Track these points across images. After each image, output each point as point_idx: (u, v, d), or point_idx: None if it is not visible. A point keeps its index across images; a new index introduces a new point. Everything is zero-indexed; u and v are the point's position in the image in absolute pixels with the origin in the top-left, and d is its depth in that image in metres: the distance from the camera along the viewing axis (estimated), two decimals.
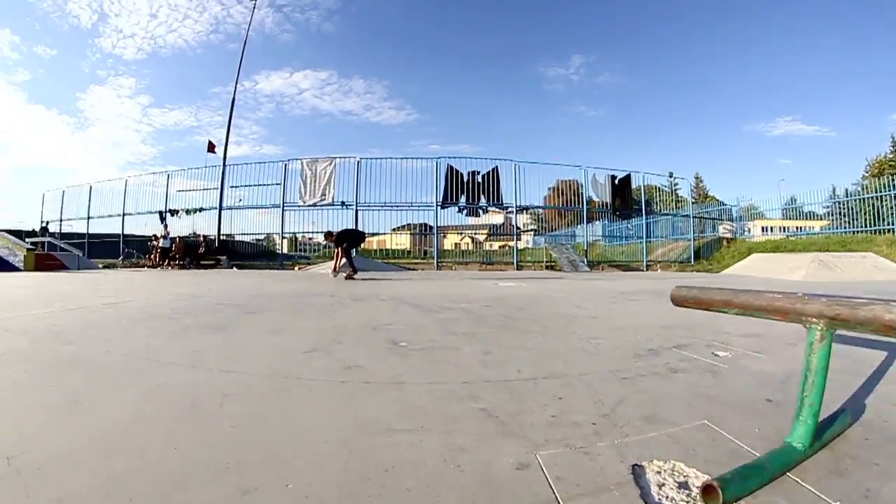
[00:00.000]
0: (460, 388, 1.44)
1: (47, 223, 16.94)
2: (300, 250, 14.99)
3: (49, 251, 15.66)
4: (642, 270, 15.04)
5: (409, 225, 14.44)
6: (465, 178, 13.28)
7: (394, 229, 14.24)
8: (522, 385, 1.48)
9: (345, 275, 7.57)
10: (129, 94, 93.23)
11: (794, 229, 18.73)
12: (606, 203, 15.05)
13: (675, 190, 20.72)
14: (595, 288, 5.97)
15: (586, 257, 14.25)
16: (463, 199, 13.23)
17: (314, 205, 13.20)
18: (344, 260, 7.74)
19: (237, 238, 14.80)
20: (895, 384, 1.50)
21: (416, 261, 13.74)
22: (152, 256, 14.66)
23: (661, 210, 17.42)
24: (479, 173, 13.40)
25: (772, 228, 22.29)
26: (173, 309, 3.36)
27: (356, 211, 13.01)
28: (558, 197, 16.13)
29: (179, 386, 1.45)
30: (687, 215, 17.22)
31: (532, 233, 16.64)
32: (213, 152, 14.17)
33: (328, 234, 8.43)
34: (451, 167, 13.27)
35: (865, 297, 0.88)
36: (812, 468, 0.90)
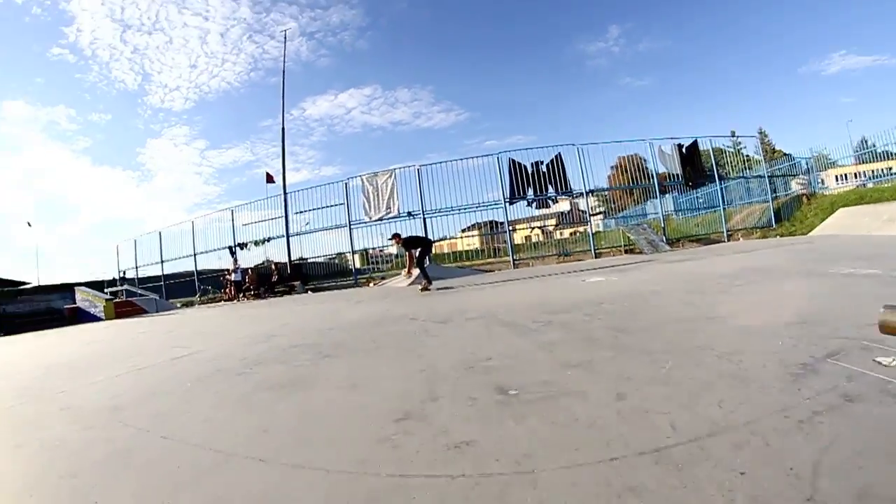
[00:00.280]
0: (610, 471, 1.05)
1: (124, 272, 17.76)
2: (372, 262, 14.94)
3: (128, 298, 16.43)
4: (724, 242, 14.08)
5: (477, 224, 14.10)
6: (530, 170, 12.79)
7: (462, 230, 13.93)
8: (685, 453, 1.10)
9: (420, 287, 7.48)
10: (185, 141, 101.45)
11: (871, 174, 17.08)
12: (676, 174, 14.18)
13: (740, 149, 19.43)
14: (689, 272, 5.40)
15: (664, 235, 13.47)
16: (530, 192, 12.75)
17: (380, 219, 13.09)
18: (417, 271, 7.59)
19: (310, 260, 14.92)
20: None
21: (489, 260, 13.37)
22: (227, 290, 15.05)
23: (731, 174, 16.28)
24: (542, 163, 12.87)
25: (846, 176, 20.49)
26: (243, 359, 3.01)
27: (423, 219, 12.79)
28: (622, 174, 15.34)
29: (244, 499, 1.13)
30: (761, 175, 16.01)
31: (601, 215, 15.91)
32: (273, 182, 14.33)
33: (395, 236, 8.30)
34: (513, 160, 12.81)
35: None
36: None
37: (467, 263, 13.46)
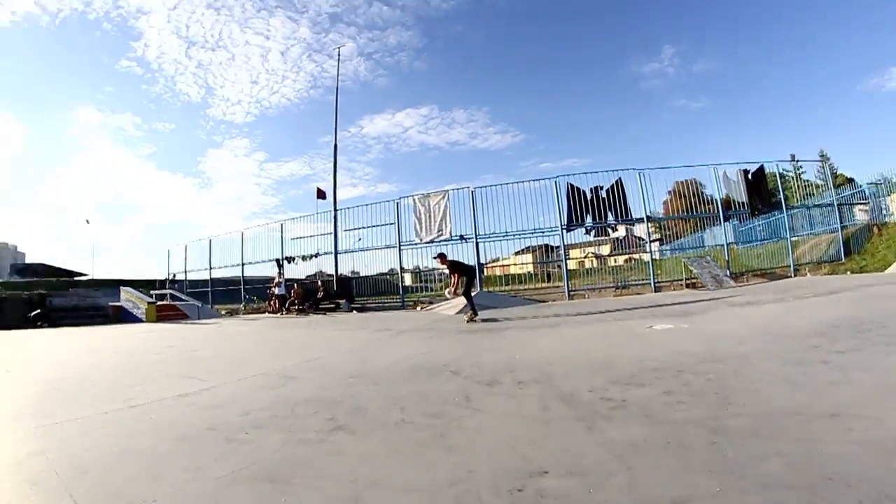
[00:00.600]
0: None
1: (174, 274, 18.14)
2: (422, 281, 14.72)
3: (172, 301, 16.73)
4: (790, 276, 13.27)
5: (530, 248, 13.70)
6: (589, 196, 12.31)
7: (515, 253, 13.56)
8: None
9: (466, 318, 7.37)
10: (245, 153, 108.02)
11: None
12: (742, 202, 13.44)
13: (800, 174, 18.40)
14: (770, 324, 4.81)
15: (728, 268, 12.76)
16: (589, 219, 12.27)
17: (431, 241, 12.84)
18: (462, 297, 7.47)
19: (359, 275, 14.83)
20: None
21: (542, 286, 12.97)
22: (272, 303, 15.09)
23: (794, 201, 15.36)
24: (602, 188, 12.37)
25: None
26: (245, 414, 2.69)
27: (476, 243, 12.47)
28: (679, 199, 14.66)
29: None
30: (830, 204, 15.04)
31: (658, 242, 15.27)
32: (324, 198, 14.30)
33: (440, 256, 8.08)
34: (572, 185, 12.34)
35: None
36: None
37: (519, 288, 13.07)
